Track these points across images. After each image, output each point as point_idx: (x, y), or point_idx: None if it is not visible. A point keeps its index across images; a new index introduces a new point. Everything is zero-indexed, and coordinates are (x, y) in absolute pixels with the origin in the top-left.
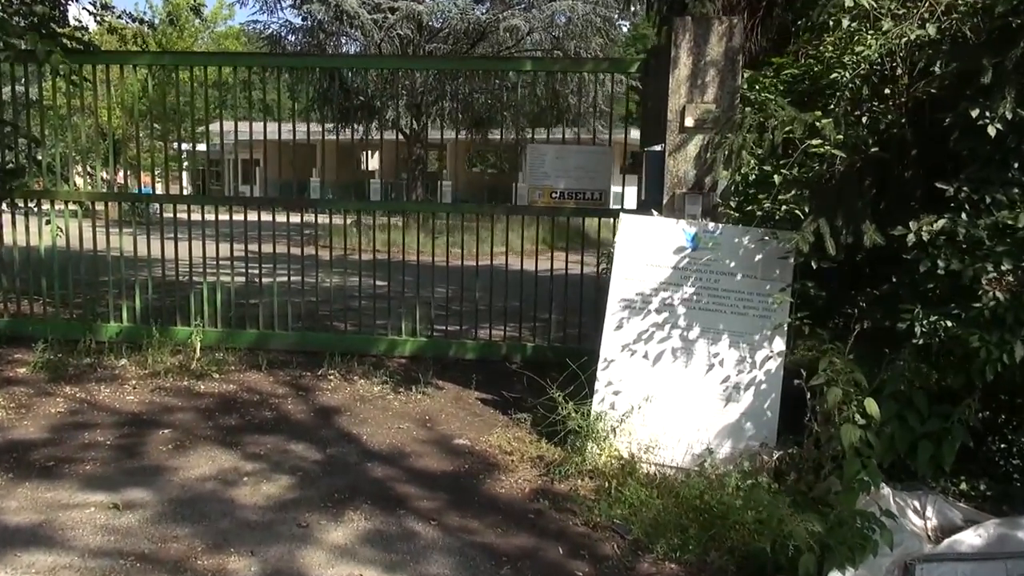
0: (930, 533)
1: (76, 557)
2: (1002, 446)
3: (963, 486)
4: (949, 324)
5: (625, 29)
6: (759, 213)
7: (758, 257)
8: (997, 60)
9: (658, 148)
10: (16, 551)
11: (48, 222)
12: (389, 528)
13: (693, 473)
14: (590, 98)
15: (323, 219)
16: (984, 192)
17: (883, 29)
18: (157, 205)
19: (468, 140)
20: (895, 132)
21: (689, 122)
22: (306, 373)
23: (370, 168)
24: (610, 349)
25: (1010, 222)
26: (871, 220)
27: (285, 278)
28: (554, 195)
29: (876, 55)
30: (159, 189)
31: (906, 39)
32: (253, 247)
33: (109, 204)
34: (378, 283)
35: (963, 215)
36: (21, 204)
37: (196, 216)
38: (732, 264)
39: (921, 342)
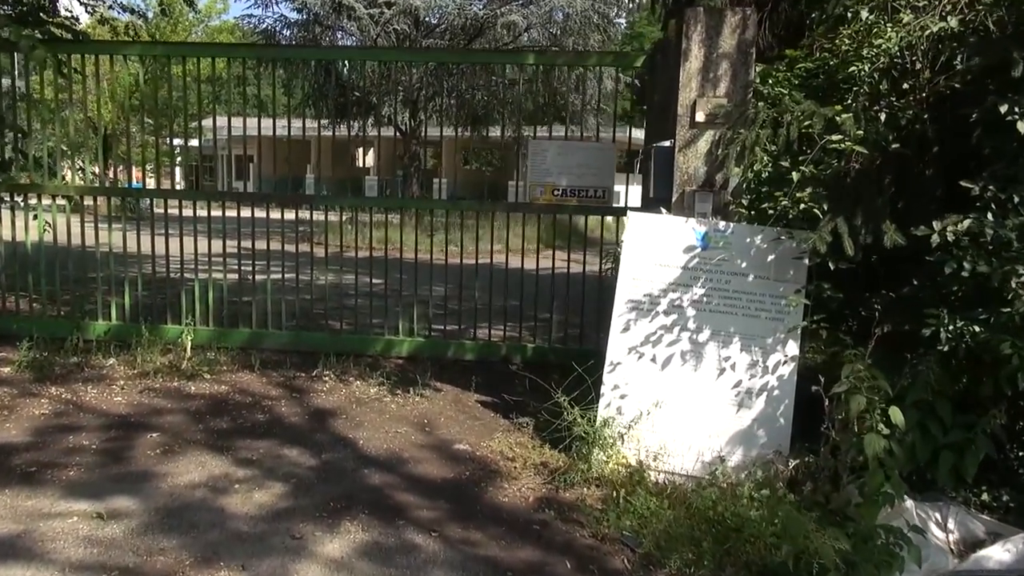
0: (952, 547)
1: (56, 571)
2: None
3: (984, 497)
4: (977, 329)
5: (622, 26)
6: (771, 212)
7: (771, 257)
8: None
9: (667, 144)
10: None
11: (36, 217)
12: (387, 540)
13: (704, 482)
14: (589, 95)
15: (318, 216)
16: (1011, 191)
17: (903, 21)
18: (148, 200)
19: (464, 137)
20: (916, 128)
21: (700, 117)
22: (300, 374)
23: (366, 165)
24: (617, 352)
25: None
26: (891, 219)
27: (279, 275)
28: (556, 192)
29: (896, 48)
30: (151, 184)
31: (928, 32)
32: (246, 244)
33: (98, 198)
34: (374, 281)
35: (989, 215)
36: (7, 198)
37: (188, 212)
38: (744, 264)
39: (946, 348)
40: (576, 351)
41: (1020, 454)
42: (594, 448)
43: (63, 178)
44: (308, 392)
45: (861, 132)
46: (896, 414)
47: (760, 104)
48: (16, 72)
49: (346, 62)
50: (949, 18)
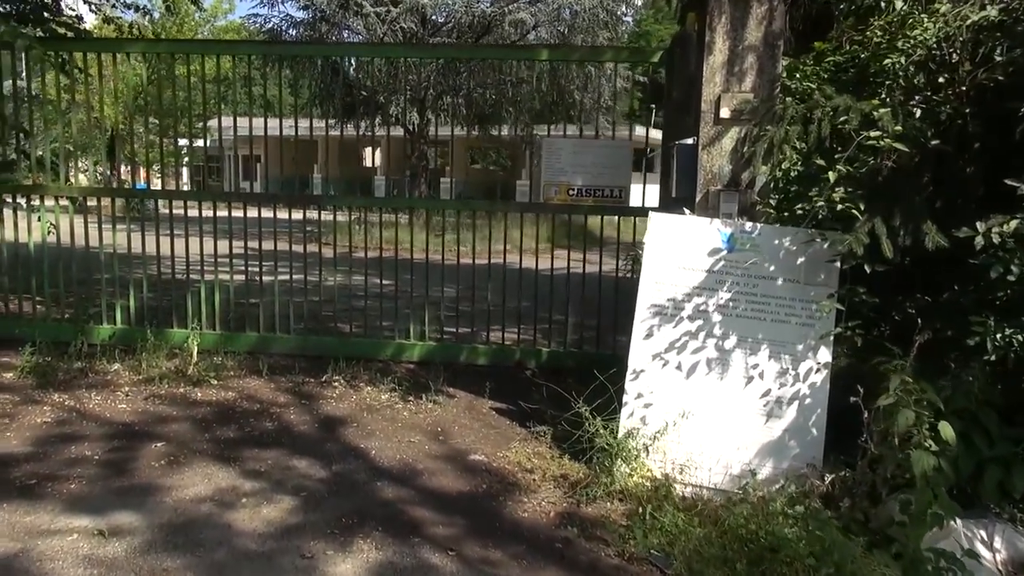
0: (1000, 567)
1: None
2: None
3: None
4: None
5: (630, 24)
6: (799, 212)
7: (801, 260)
8: None
9: (689, 142)
10: None
11: (39, 218)
12: (403, 560)
13: (734, 497)
14: (600, 92)
15: (325, 216)
16: None
17: (939, 11)
18: (153, 201)
19: (472, 136)
20: (957, 123)
21: (725, 113)
22: (309, 379)
23: (373, 164)
24: (639, 359)
25: None
26: (931, 220)
27: (286, 277)
28: (571, 192)
29: (933, 39)
30: (156, 185)
31: (968, 22)
32: (253, 244)
33: (102, 200)
34: (381, 282)
35: None
36: (10, 199)
37: (193, 212)
38: (772, 267)
39: (993, 357)
40: (592, 355)
41: None
42: (617, 460)
43: (67, 179)
44: (317, 399)
45: (899, 128)
46: (946, 429)
47: (788, 99)
48: (17, 71)
49: (353, 60)
50: (989, 7)
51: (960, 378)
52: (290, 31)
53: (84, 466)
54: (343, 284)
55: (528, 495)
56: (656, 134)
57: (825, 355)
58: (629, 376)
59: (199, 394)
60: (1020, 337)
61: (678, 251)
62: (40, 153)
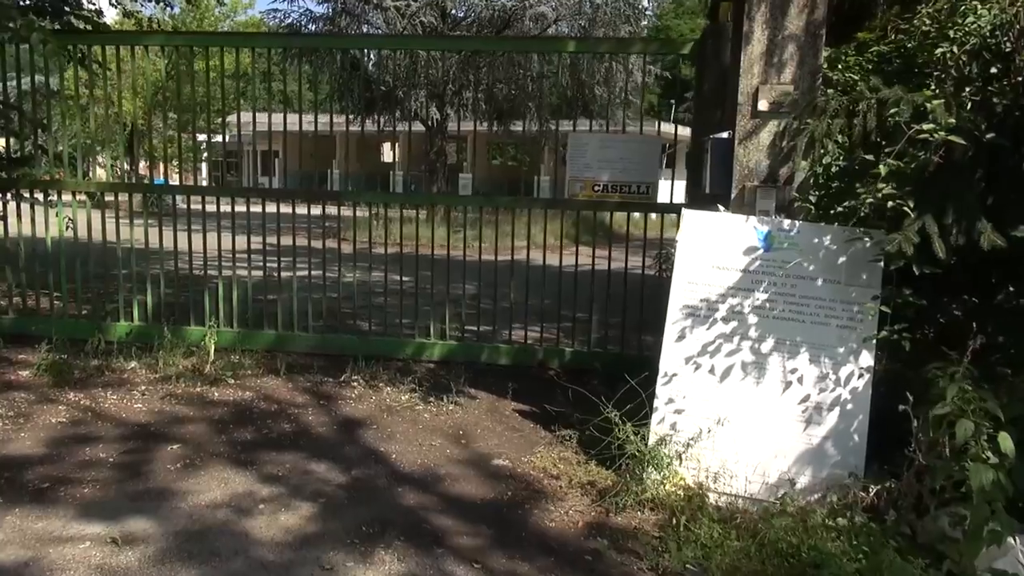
0: None
1: None
2: None
3: None
4: None
5: (652, 16)
6: (844, 209)
7: (842, 259)
8: None
9: (724, 135)
10: None
11: (57, 214)
12: (426, 572)
13: (772, 507)
14: (623, 86)
15: (343, 212)
16: None
17: None
18: (171, 196)
19: (493, 131)
20: (1014, 116)
21: (763, 106)
22: (327, 379)
23: (392, 159)
24: (671, 362)
25: None
26: (986, 218)
27: (304, 273)
28: (597, 188)
29: (988, 27)
30: (174, 180)
31: None
32: (271, 240)
33: (120, 195)
34: (401, 279)
35: None
36: (27, 194)
37: (212, 208)
38: (812, 267)
39: None
40: (618, 356)
41: None
42: (648, 467)
43: (85, 174)
44: (336, 399)
45: (952, 120)
46: (1006, 441)
47: (830, 91)
48: (32, 65)
49: (373, 53)
50: None
51: (1016, 386)
52: (309, 26)
53: (98, 469)
54: (361, 280)
55: (555, 503)
56: (672, 129)
57: (867, 359)
58: (660, 380)
59: (216, 394)
60: None
61: (712, 250)
62: (59, 148)
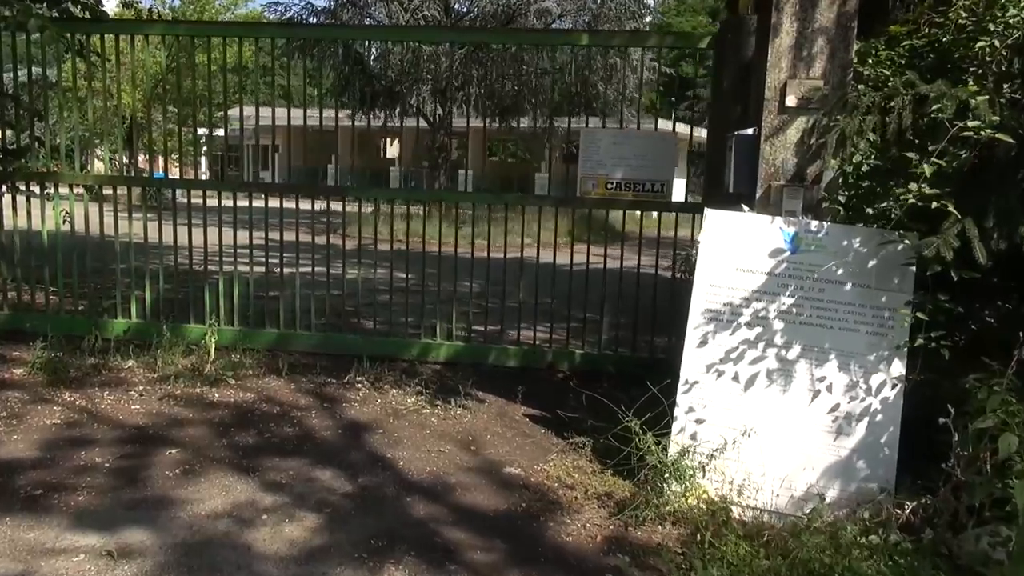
0: None
1: None
2: None
3: None
4: None
5: (655, 10)
6: (881, 209)
7: (872, 263)
8: None
9: (749, 132)
10: None
11: (54, 207)
12: None
13: (799, 522)
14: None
15: (338, 207)
16: None
17: None
18: (170, 190)
19: (493, 128)
20: None
21: (791, 101)
22: (331, 380)
23: (392, 155)
24: (692, 369)
25: None
26: None
27: (305, 269)
28: (609, 185)
29: None
30: (174, 173)
31: None
32: (271, 236)
33: (118, 189)
34: (407, 277)
35: None
36: (23, 187)
37: (212, 202)
38: (840, 271)
39: None
40: (629, 359)
41: None
42: (670, 480)
43: (83, 167)
44: (340, 401)
45: (996, 118)
46: None
47: (861, 87)
48: (29, 54)
49: (376, 47)
50: None
51: None
52: (310, 19)
53: (94, 474)
54: (364, 278)
55: (571, 515)
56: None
57: (899, 368)
58: (681, 388)
59: (216, 395)
60: None
61: (736, 252)
62: (56, 140)
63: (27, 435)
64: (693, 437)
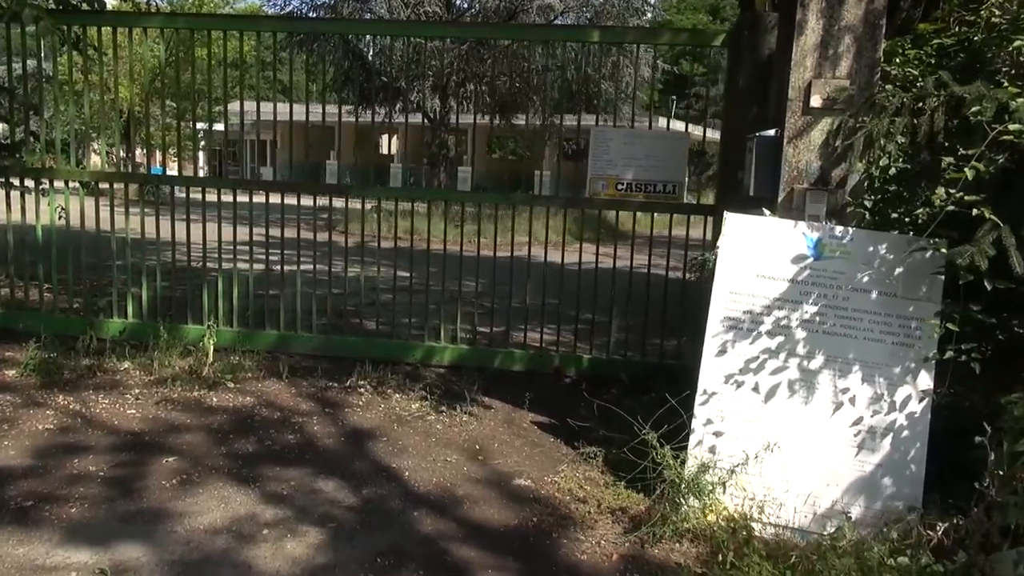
0: None
1: None
2: None
3: None
4: None
5: (657, 8)
6: (896, 215)
7: (899, 270)
8: None
9: (771, 133)
10: None
11: (49, 202)
12: None
13: (823, 541)
14: (626, 82)
15: (340, 204)
16: None
17: None
18: (168, 187)
19: (494, 125)
20: None
21: (816, 101)
22: (333, 384)
23: (390, 152)
24: (710, 380)
25: None
26: None
27: (305, 267)
28: (620, 186)
29: None
30: (172, 168)
31: None
32: (267, 233)
33: (115, 185)
34: (404, 275)
35: None
36: (17, 182)
37: (210, 197)
38: (865, 278)
39: None
40: (638, 363)
41: None
42: (687, 495)
43: (79, 162)
44: (342, 407)
45: None
46: None
47: (888, 87)
48: (24, 46)
49: (376, 43)
50: None
51: None
52: (310, 15)
53: (87, 484)
54: (365, 276)
55: (584, 531)
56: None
57: (926, 381)
58: (699, 399)
59: (214, 399)
60: None
61: (757, 257)
62: (52, 135)
63: (18, 441)
64: (711, 450)
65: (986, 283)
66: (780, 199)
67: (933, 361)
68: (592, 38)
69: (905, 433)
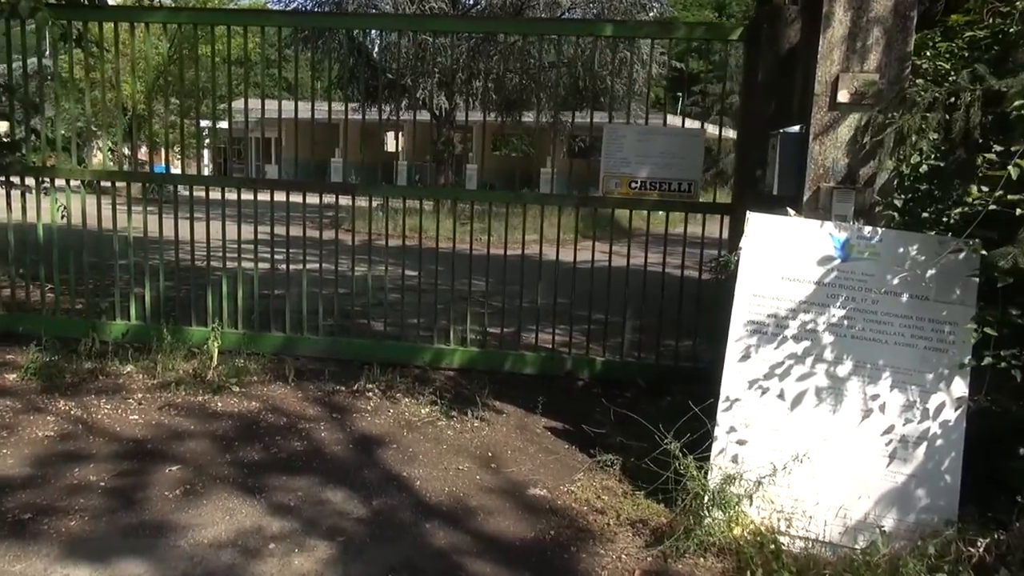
0: None
1: None
2: None
3: None
4: None
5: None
6: (925, 215)
7: (931, 272)
8: None
9: (795, 130)
10: None
11: (51, 201)
12: None
13: (855, 556)
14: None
15: (345, 202)
16: None
17: None
18: (171, 185)
19: (500, 122)
20: None
21: (843, 96)
22: (340, 388)
23: (396, 149)
24: (733, 386)
25: None
26: None
27: (311, 266)
28: (633, 184)
29: None
30: (176, 167)
31: None
32: (271, 232)
33: (117, 183)
34: (412, 274)
35: None
36: (18, 181)
37: (214, 195)
38: (896, 281)
39: None
40: (653, 366)
41: None
42: (711, 507)
43: (81, 160)
44: (350, 412)
45: None
46: None
47: (919, 81)
48: (24, 42)
49: (382, 39)
50: None
51: None
52: (315, 10)
53: (88, 495)
54: (374, 276)
55: (604, 545)
56: (679, 122)
57: (960, 387)
58: (721, 406)
59: (219, 404)
60: None
61: (781, 259)
62: (54, 133)
63: (18, 449)
64: (735, 459)
65: None
66: (805, 198)
67: (969, 368)
68: (605, 32)
69: (939, 442)
